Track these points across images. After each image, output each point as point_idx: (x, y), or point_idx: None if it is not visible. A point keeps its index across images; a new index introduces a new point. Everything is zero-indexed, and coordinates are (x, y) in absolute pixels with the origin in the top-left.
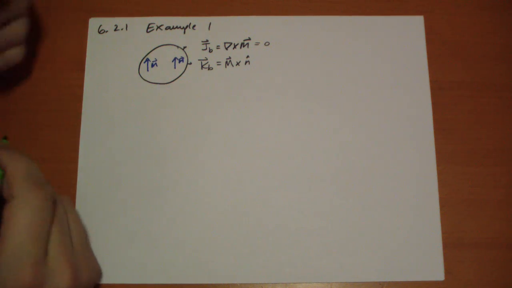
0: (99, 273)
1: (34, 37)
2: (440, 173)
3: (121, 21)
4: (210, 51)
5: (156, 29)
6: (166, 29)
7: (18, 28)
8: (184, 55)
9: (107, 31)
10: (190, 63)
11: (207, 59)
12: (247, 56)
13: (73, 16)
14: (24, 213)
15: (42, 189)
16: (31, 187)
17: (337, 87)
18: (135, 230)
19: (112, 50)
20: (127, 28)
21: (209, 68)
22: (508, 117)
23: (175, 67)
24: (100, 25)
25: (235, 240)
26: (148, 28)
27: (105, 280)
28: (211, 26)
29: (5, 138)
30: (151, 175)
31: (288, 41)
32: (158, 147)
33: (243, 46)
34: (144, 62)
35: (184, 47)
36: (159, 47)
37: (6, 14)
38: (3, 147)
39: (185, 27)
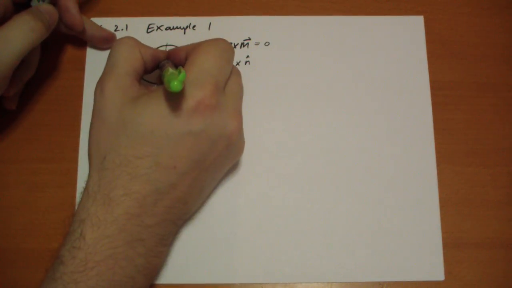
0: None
1: None
2: (440, 173)
3: (121, 21)
4: None
5: (156, 29)
6: (166, 29)
7: (35, 56)
8: None
9: None
10: None
11: None
12: (247, 56)
13: None
14: (213, 47)
15: (224, 39)
16: (213, 38)
17: (337, 87)
18: None
19: None
20: (127, 28)
21: None
22: (508, 117)
23: None
24: (101, 25)
25: (235, 240)
26: (148, 28)
27: None
28: (211, 26)
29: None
30: None
31: (288, 41)
32: None
33: (243, 46)
34: None
35: None
36: (159, 48)
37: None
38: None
39: (185, 27)
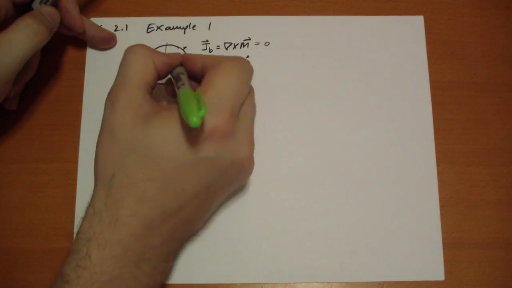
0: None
1: None
2: (440, 173)
3: (121, 21)
4: (210, 51)
5: (156, 29)
6: (166, 29)
7: (35, 57)
8: None
9: None
10: None
11: None
12: (247, 56)
13: None
14: (235, 69)
15: (245, 59)
16: (233, 57)
17: (337, 87)
18: None
19: (112, 50)
20: (127, 28)
21: None
22: (508, 117)
23: None
24: (101, 25)
25: (235, 240)
26: (148, 28)
27: None
28: (211, 26)
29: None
30: None
31: (288, 41)
32: None
33: (243, 46)
34: None
35: (184, 47)
36: (159, 47)
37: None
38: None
39: (185, 27)
